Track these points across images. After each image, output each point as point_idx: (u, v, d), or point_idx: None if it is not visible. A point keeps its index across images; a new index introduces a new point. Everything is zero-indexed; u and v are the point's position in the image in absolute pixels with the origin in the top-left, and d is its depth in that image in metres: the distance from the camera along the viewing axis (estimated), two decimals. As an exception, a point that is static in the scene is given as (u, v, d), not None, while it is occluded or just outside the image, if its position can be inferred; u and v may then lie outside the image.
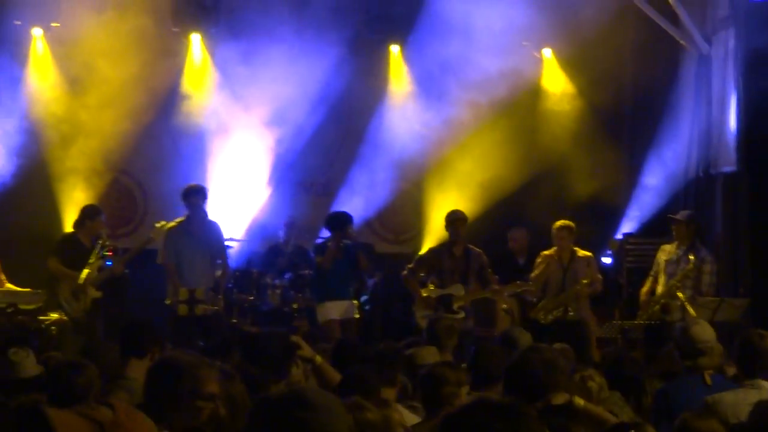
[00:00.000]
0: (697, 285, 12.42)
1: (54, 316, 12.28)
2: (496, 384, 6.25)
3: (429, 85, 15.54)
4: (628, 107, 16.00)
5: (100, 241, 12.73)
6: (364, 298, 14.40)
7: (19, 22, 14.57)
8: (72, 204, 14.37)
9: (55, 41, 14.71)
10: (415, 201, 16.04)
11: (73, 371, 5.79)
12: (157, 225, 12.98)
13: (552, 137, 15.60)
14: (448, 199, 14.96)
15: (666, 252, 12.79)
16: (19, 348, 6.80)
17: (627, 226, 15.27)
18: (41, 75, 14.76)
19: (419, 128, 15.55)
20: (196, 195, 12.86)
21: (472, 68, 14.83)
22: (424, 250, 13.72)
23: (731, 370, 7.33)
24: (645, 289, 12.88)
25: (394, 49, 15.91)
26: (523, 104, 15.54)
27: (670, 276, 12.54)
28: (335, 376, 6.80)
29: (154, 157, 15.19)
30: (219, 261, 13.07)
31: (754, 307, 12.58)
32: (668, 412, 6.54)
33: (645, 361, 9.38)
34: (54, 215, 14.51)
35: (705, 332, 7.02)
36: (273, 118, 15.00)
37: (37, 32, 14.74)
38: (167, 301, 12.64)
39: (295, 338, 6.97)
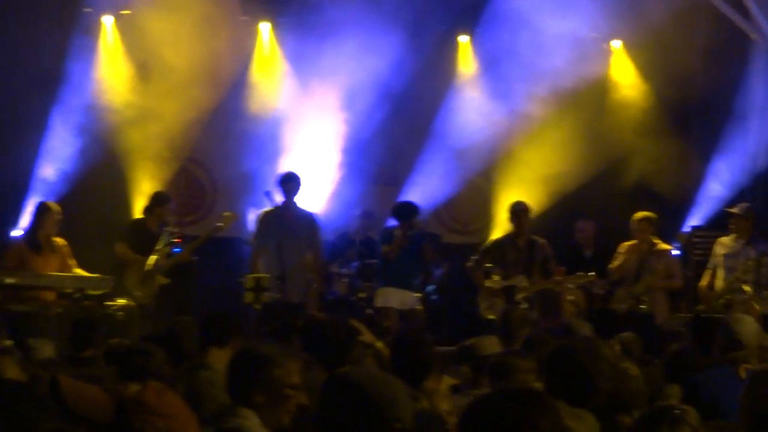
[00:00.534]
0: (758, 279, 12.22)
1: (121, 301, 12.30)
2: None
3: (496, 76, 15.44)
4: (696, 100, 15.83)
5: (168, 228, 12.85)
6: (430, 288, 14.42)
7: (90, 9, 14.70)
8: (141, 191, 14.50)
9: (125, 29, 14.83)
10: (483, 192, 16.00)
11: (141, 355, 5.86)
12: (226, 214, 13.07)
13: (620, 129, 15.49)
14: (516, 191, 14.86)
15: (724, 245, 12.60)
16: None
17: (694, 219, 15.16)
18: (111, 62, 14.86)
19: (486, 119, 15.49)
20: (290, 182, 12.88)
21: (540, 59, 14.74)
22: (489, 242, 13.73)
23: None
24: (704, 282, 12.71)
25: (463, 39, 15.89)
26: (591, 96, 15.42)
27: (729, 270, 12.36)
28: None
29: (222, 145, 15.27)
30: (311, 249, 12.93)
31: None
32: (695, 402, 6.45)
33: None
34: (123, 201, 14.61)
35: (745, 327, 7.00)
36: (341, 107, 15.01)
37: (107, 20, 14.86)
38: (241, 281, 12.49)
39: (355, 323, 6.98)
